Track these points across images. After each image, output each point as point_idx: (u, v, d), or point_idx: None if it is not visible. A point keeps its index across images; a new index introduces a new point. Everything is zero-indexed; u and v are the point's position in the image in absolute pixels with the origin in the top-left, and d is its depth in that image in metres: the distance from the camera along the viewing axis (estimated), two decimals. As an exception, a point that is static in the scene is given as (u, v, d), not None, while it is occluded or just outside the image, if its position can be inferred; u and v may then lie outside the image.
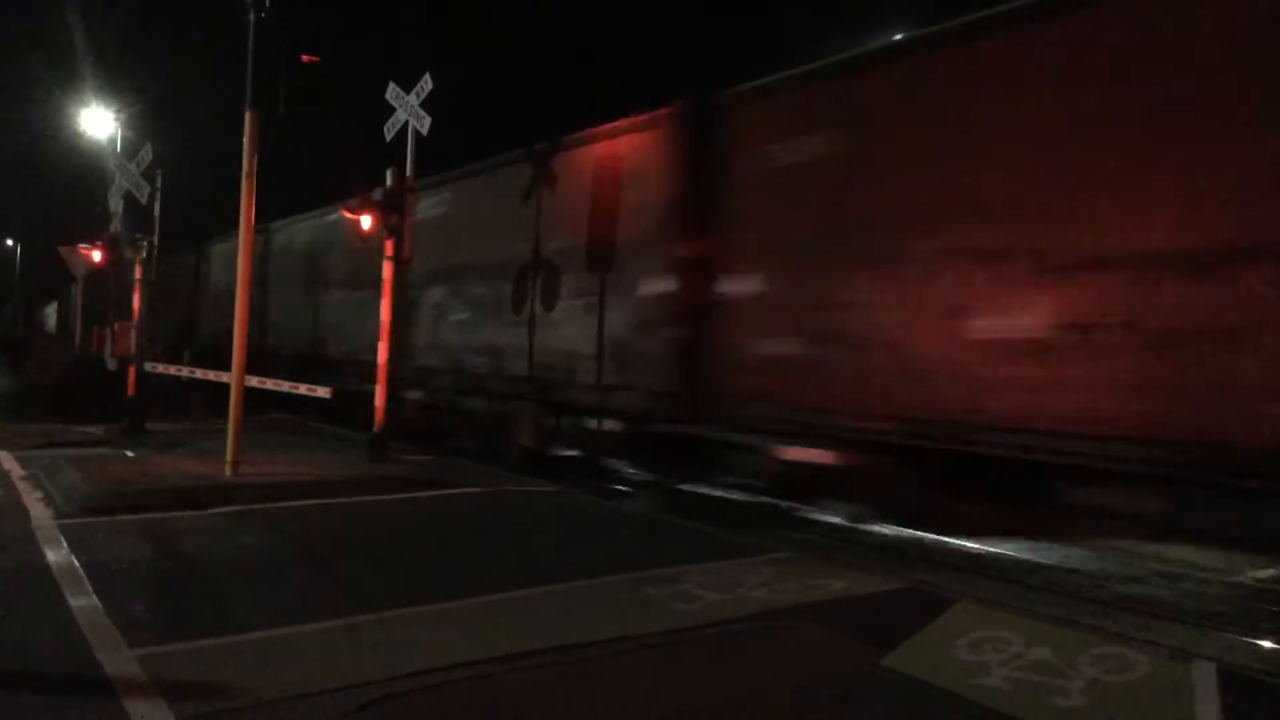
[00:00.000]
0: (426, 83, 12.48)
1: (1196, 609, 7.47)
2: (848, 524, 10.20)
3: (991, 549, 9.30)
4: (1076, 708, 4.96)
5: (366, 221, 12.55)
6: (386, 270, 12.88)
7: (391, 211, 12.52)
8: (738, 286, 10.43)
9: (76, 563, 7.11)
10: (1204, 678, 5.36)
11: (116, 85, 24.93)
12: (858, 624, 6.28)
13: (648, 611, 6.40)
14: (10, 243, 62.05)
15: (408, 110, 12.65)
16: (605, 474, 13.73)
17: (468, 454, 14.27)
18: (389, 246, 12.76)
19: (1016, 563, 8.95)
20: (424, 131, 12.57)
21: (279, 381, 15.67)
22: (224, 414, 11.01)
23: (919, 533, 9.82)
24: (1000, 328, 7.98)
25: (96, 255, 16.19)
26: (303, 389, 15.27)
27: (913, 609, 6.58)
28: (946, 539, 9.61)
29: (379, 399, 12.85)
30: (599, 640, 5.77)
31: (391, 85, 12.80)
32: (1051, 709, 4.92)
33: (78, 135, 24.12)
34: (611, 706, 4.88)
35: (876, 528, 10.07)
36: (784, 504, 11.32)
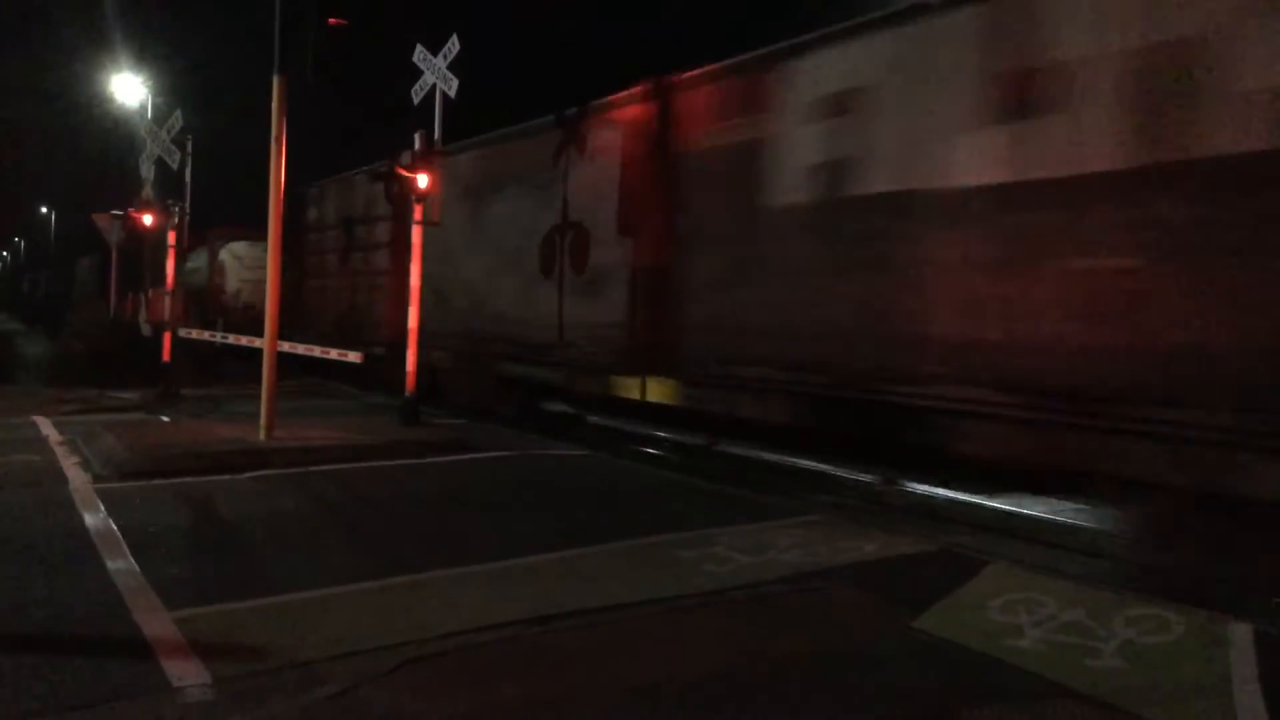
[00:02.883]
0: (454, 44, 12.38)
1: (1233, 571, 7.39)
2: (878, 485, 10.17)
3: (1024, 510, 9.24)
4: (1111, 668, 4.92)
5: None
6: (415, 234, 12.87)
7: (420, 175, 12.49)
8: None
9: (114, 526, 7.20)
10: (1240, 639, 5.30)
11: (148, 52, 24.97)
12: (889, 586, 6.26)
13: (679, 573, 6.41)
14: (45, 210, 62.69)
15: (435, 73, 12.58)
16: (632, 437, 13.75)
17: (497, 418, 14.33)
18: (418, 211, 12.74)
19: (1049, 524, 8.89)
20: (451, 94, 12.48)
21: (310, 347, 15.78)
22: (258, 379, 11.09)
23: (951, 494, 9.77)
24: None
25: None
26: (334, 354, 15.37)
27: (944, 571, 6.55)
28: (978, 500, 9.56)
29: (410, 364, 12.88)
30: (631, 602, 5.79)
31: (419, 48, 12.71)
32: (1086, 670, 4.89)
33: (109, 102, 24.19)
34: (644, 667, 4.89)
35: (907, 488, 10.03)
36: (812, 465, 11.30)
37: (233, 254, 27.28)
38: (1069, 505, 9.09)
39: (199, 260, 27.68)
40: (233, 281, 27.20)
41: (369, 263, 19.35)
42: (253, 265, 26.16)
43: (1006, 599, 5.89)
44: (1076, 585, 6.32)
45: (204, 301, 26.67)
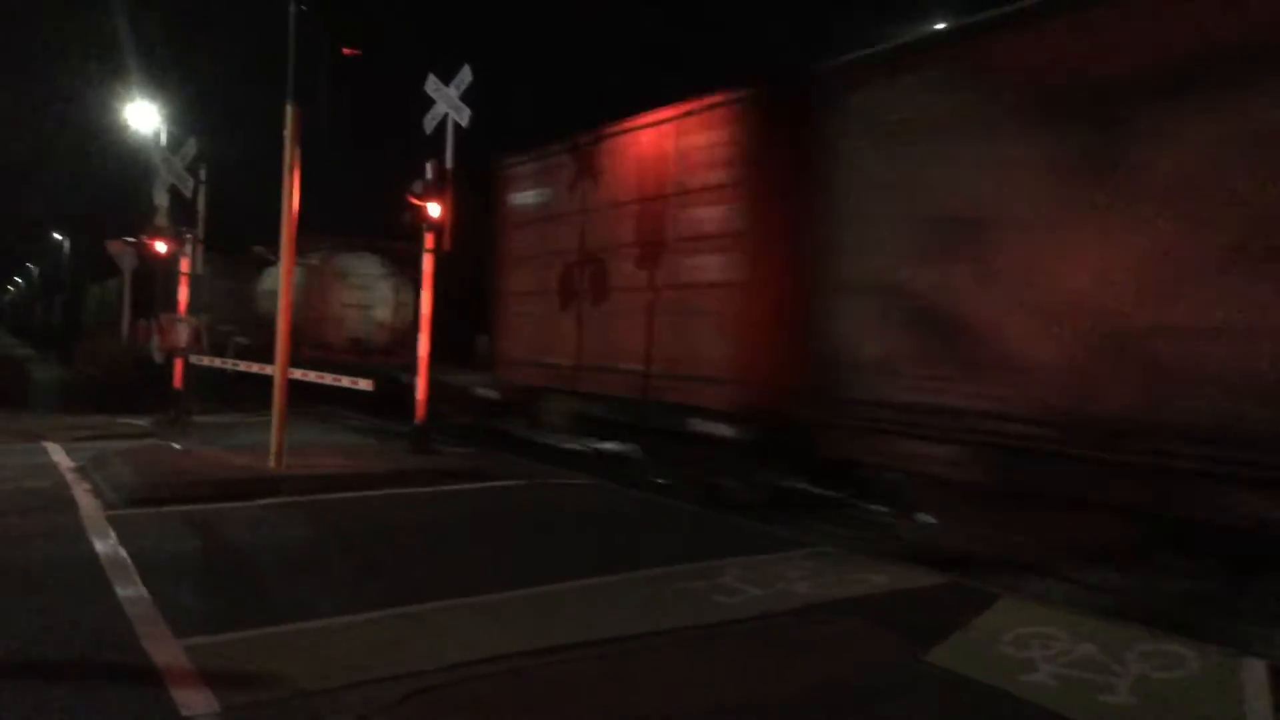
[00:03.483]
0: (466, 75, 12.49)
1: (1246, 606, 7.34)
2: (889, 517, 10.12)
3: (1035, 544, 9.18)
4: (1125, 705, 4.89)
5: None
6: (426, 263, 12.94)
7: (432, 203, 12.56)
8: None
9: (124, 553, 7.20)
10: (1254, 675, 5.27)
11: (161, 80, 25.15)
12: (901, 619, 6.23)
13: (688, 604, 6.39)
14: (58, 236, 63.08)
15: (447, 103, 12.67)
16: (640, 467, 13.72)
17: (506, 446, 14.33)
18: (429, 239, 12.81)
19: (1061, 558, 8.83)
20: (464, 124, 12.58)
21: (322, 374, 15.82)
22: (268, 406, 11.11)
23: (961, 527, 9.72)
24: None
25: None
26: (345, 382, 15.41)
27: (956, 604, 6.53)
28: (990, 533, 9.51)
29: (420, 392, 12.91)
30: (640, 633, 5.77)
31: (431, 78, 12.82)
32: (1100, 706, 4.86)
33: (123, 130, 24.38)
34: (652, 700, 4.87)
35: (919, 520, 9.98)
36: (821, 495, 11.26)
37: (335, 270, 22.22)
38: (1080, 539, 9.04)
39: (277, 278, 24.36)
40: (334, 306, 22.14)
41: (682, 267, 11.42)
42: (362, 284, 22.07)
43: (1019, 632, 5.87)
44: (1089, 619, 6.28)
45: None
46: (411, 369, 13.78)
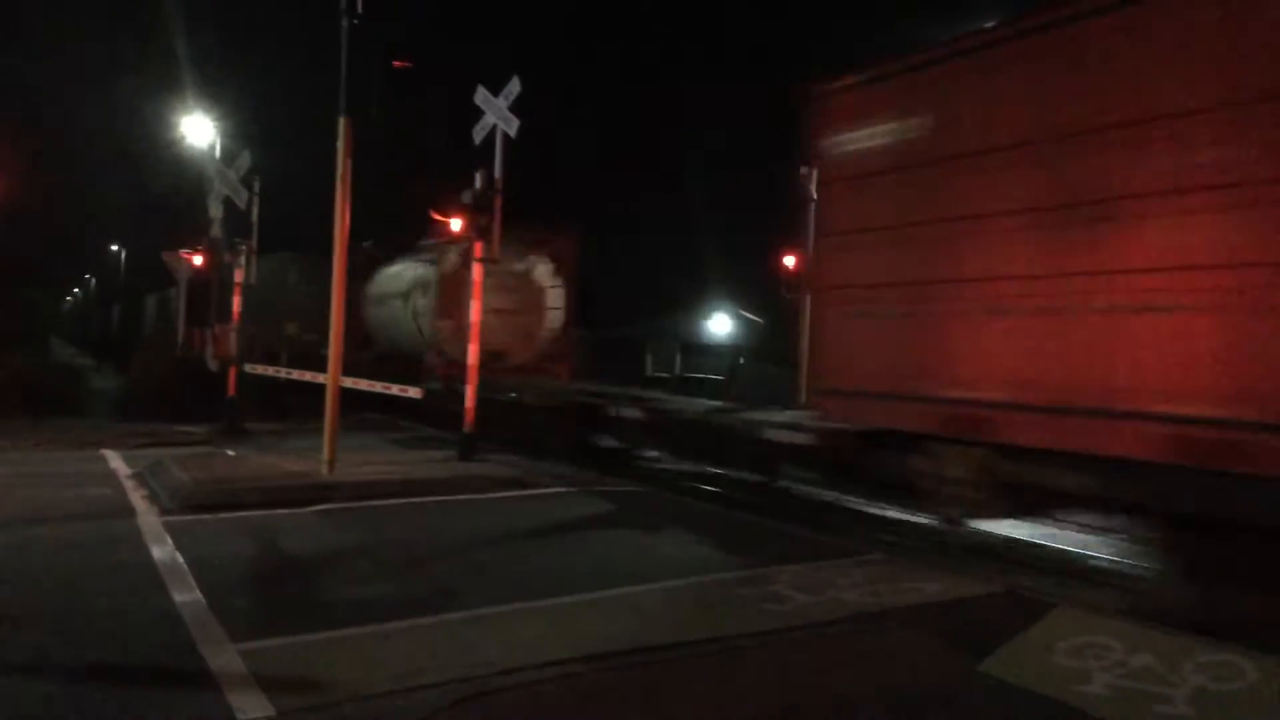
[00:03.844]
0: (515, 86, 12.58)
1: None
2: (939, 526, 10.03)
3: (1090, 552, 9.07)
4: (1182, 716, 4.80)
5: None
6: (476, 272, 13.04)
7: (480, 213, 12.66)
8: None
9: (181, 559, 7.32)
10: (1318, 687, 5.16)
11: (217, 93, 25.52)
12: (953, 628, 6.16)
13: (739, 612, 6.36)
14: (115, 247, 64.28)
15: (496, 113, 12.77)
16: (686, 473, 13.72)
17: (551, 454, 14.38)
18: (478, 248, 12.91)
19: (1116, 566, 8.71)
20: (512, 134, 12.67)
21: (372, 382, 15.96)
22: (320, 413, 11.24)
23: (1014, 534, 9.62)
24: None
25: (198, 259, 16.66)
26: (394, 389, 15.54)
27: (1010, 613, 6.45)
28: (1042, 541, 9.40)
29: (469, 399, 12.99)
30: (690, 640, 5.75)
31: (480, 89, 12.93)
32: (1156, 717, 4.78)
33: (179, 143, 24.80)
34: (702, 708, 4.86)
35: (969, 529, 9.89)
36: (871, 505, 11.19)
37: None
38: (1134, 547, 8.91)
39: (397, 280, 20.31)
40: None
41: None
42: (502, 286, 17.31)
43: (1073, 642, 5.78)
44: (1145, 629, 6.16)
45: (396, 346, 20.08)
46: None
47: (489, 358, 15.95)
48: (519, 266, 18.49)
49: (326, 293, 11.18)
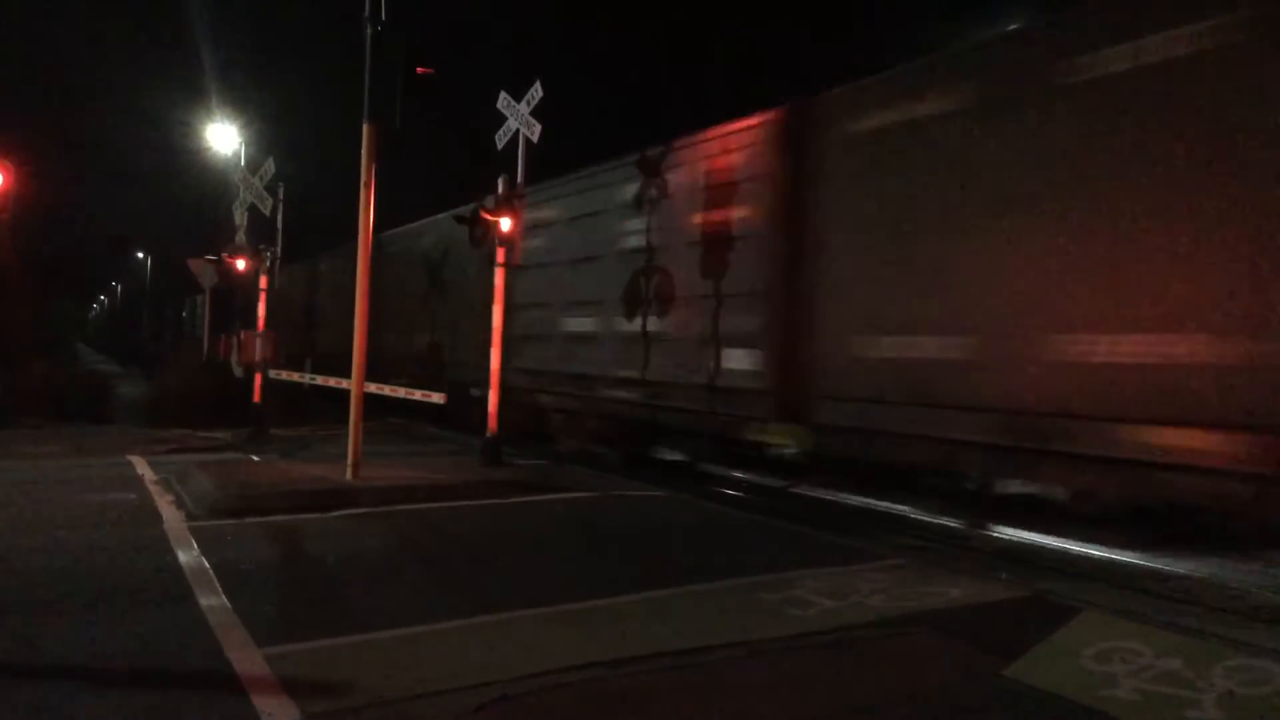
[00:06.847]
0: (537, 90, 12.63)
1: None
2: (963, 529, 9.98)
3: (1116, 556, 8.99)
4: (1212, 722, 4.76)
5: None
6: (498, 277, 13.07)
7: (504, 218, 12.70)
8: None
9: (206, 564, 7.37)
10: (1349, 693, 5.10)
11: (242, 101, 25.71)
12: (978, 633, 6.13)
13: (762, 617, 6.35)
14: (141, 255, 64.87)
15: (518, 118, 12.81)
16: (708, 477, 13.69)
17: (575, 458, 14.39)
18: (500, 254, 12.95)
19: (1143, 570, 8.64)
20: (534, 139, 12.72)
21: (395, 388, 16.03)
22: (343, 419, 11.29)
23: (1039, 538, 9.55)
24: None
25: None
26: (418, 395, 15.59)
27: (1036, 618, 6.40)
28: (1068, 545, 9.33)
29: (491, 404, 13.03)
30: (714, 645, 5.75)
31: (503, 94, 12.98)
32: (1185, 723, 4.74)
33: (204, 151, 24.99)
34: (725, 711, 4.85)
35: (993, 532, 9.83)
36: (893, 508, 11.14)
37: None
38: (1162, 551, 8.84)
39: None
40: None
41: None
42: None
43: (1100, 647, 5.74)
44: (1172, 633, 6.12)
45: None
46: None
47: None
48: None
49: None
